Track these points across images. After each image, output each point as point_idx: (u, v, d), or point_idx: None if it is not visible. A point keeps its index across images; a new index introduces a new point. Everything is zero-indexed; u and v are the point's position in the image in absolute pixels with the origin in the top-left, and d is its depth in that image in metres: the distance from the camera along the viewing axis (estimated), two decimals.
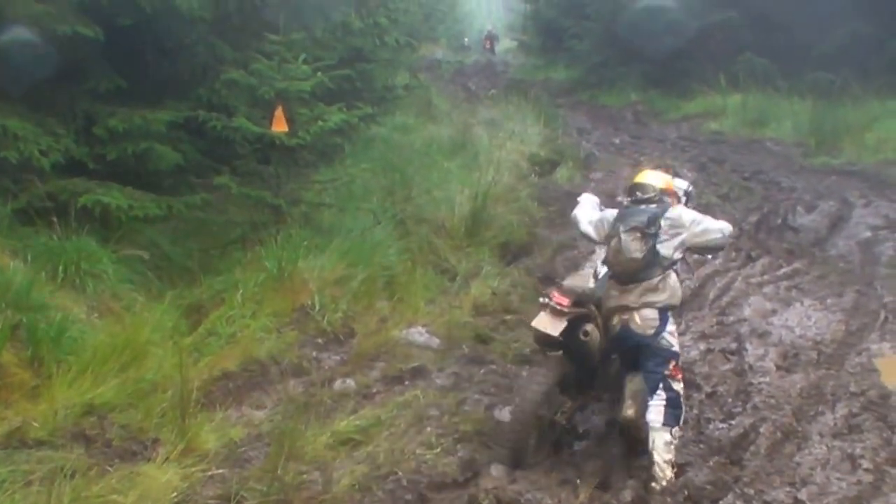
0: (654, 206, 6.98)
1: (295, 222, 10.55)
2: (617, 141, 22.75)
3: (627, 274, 6.78)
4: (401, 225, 12.15)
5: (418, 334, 9.16)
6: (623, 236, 6.76)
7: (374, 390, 7.97)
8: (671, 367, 6.74)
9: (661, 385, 6.68)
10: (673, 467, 6.58)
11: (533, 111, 23.02)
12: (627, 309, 6.77)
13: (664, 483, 6.47)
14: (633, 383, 6.89)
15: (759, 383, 8.09)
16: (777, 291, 10.68)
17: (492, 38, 56.35)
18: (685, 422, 6.99)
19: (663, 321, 6.75)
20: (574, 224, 7.63)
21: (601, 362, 7.22)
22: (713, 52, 27.50)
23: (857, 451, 6.70)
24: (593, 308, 7.02)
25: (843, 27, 23.97)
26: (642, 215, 6.86)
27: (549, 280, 11.73)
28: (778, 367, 8.53)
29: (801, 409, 7.52)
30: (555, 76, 37.02)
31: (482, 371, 8.52)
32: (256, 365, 8.12)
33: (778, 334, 9.36)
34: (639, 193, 7.15)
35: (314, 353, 8.68)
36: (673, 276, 6.84)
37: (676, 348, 6.85)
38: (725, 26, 27.39)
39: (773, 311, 10.02)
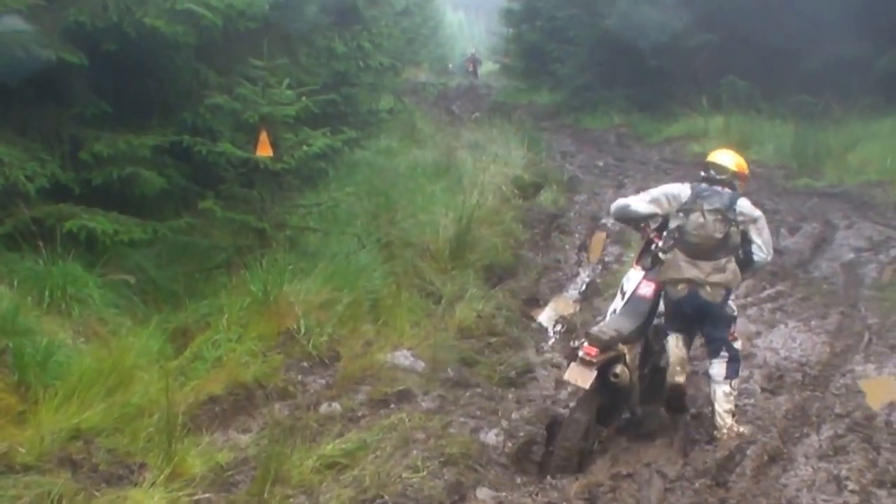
0: (727, 189, 7.46)
1: (280, 246, 10.53)
2: (600, 164, 22.78)
3: (703, 250, 7.25)
4: (385, 248, 12.13)
5: (403, 357, 9.16)
6: (707, 215, 7.25)
7: (360, 414, 7.95)
8: (731, 330, 7.42)
9: (724, 347, 7.41)
10: (732, 416, 7.43)
11: (516, 134, 23.03)
12: (695, 281, 7.24)
13: (724, 431, 7.34)
14: (679, 349, 7.45)
15: (745, 405, 8.11)
16: (761, 313, 10.74)
17: (475, 61, 56.75)
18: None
19: (728, 291, 7.33)
20: (621, 210, 8.00)
21: (632, 389, 7.51)
22: (696, 74, 27.63)
23: (843, 472, 6.73)
24: (622, 347, 7.22)
25: (825, 50, 24.07)
26: (722, 197, 7.37)
27: (534, 302, 11.78)
28: (763, 389, 8.58)
29: (786, 430, 7.56)
30: (538, 99, 37.13)
31: (468, 394, 8.53)
32: (242, 389, 8.09)
33: (762, 356, 9.42)
34: (712, 172, 7.65)
35: (300, 377, 8.65)
36: (733, 260, 7.30)
37: (735, 313, 7.67)
38: (708, 49, 27.52)
39: (758, 333, 10.08)
